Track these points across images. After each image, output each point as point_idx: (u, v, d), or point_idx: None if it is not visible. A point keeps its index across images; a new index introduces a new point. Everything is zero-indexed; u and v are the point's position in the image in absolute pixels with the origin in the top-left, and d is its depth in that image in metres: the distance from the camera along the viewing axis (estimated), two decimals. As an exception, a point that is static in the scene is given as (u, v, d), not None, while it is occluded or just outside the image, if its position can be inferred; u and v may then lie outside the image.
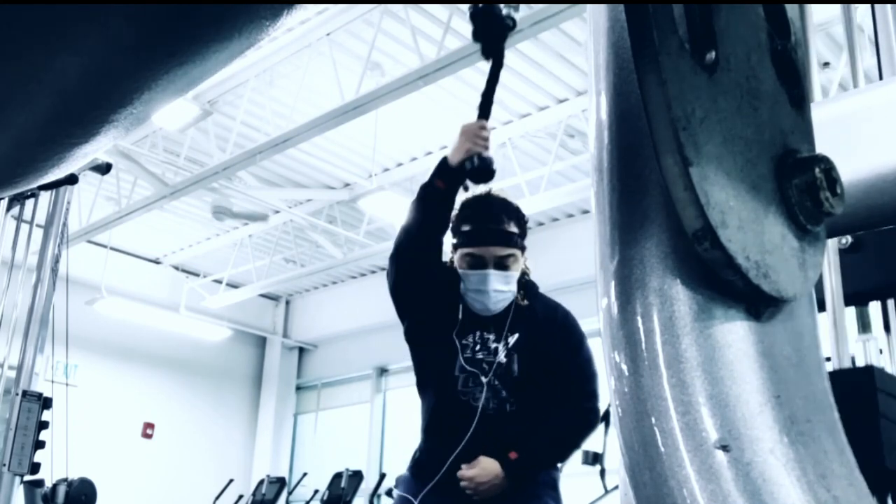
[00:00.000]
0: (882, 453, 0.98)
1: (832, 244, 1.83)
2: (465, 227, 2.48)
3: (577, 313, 2.64)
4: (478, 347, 2.48)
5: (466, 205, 2.51)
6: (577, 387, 2.52)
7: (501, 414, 2.42)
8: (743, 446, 0.47)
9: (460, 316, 2.51)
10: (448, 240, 2.55)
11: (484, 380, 2.43)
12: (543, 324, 2.53)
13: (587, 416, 2.55)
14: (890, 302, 2.09)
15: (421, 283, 2.51)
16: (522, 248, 2.52)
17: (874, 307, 2.04)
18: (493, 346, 2.47)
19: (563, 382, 2.52)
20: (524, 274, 2.56)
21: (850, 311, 1.92)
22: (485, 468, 2.37)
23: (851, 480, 0.50)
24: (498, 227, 2.46)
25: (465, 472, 2.37)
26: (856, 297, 1.85)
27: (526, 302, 2.53)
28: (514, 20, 2.19)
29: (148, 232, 10.81)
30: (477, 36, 2.22)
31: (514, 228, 2.48)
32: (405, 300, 2.55)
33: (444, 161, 2.37)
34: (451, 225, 2.49)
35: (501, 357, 2.44)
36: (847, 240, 1.81)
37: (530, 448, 2.43)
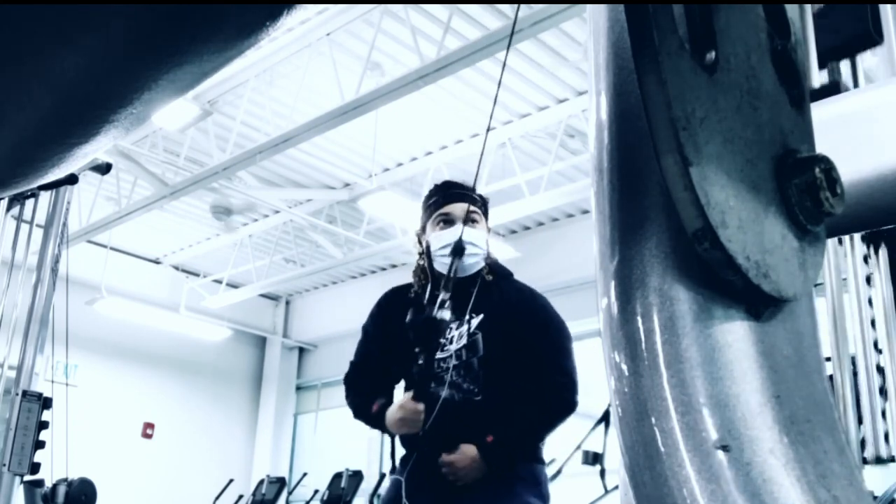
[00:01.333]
0: None
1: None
2: (433, 199, 2.75)
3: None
4: (445, 343, 2.58)
5: (430, 191, 2.81)
6: (549, 362, 2.57)
7: (468, 403, 2.50)
8: (743, 446, 0.47)
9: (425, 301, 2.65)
10: (419, 229, 2.81)
11: (450, 368, 2.53)
12: (511, 304, 2.63)
13: (562, 392, 2.57)
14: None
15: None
16: (485, 215, 2.75)
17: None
18: (456, 332, 2.58)
19: (535, 361, 2.56)
20: (488, 253, 2.72)
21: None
22: (464, 453, 2.45)
23: (851, 480, 0.50)
24: (462, 190, 2.74)
25: (445, 458, 2.46)
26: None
27: (491, 277, 2.67)
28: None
29: (148, 232, 10.80)
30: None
31: (475, 195, 2.76)
32: None
33: (382, 415, 2.61)
34: (421, 212, 2.78)
35: (465, 339, 2.55)
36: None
37: (506, 429, 2.47)
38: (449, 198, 2.71)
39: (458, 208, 2.67)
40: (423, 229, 2.75)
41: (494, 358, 2.52)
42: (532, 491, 2.49)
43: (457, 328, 2.57)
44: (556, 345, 2.60)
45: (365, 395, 2.72)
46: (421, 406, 2.46)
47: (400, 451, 2.65)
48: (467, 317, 2.56)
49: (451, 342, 2.56)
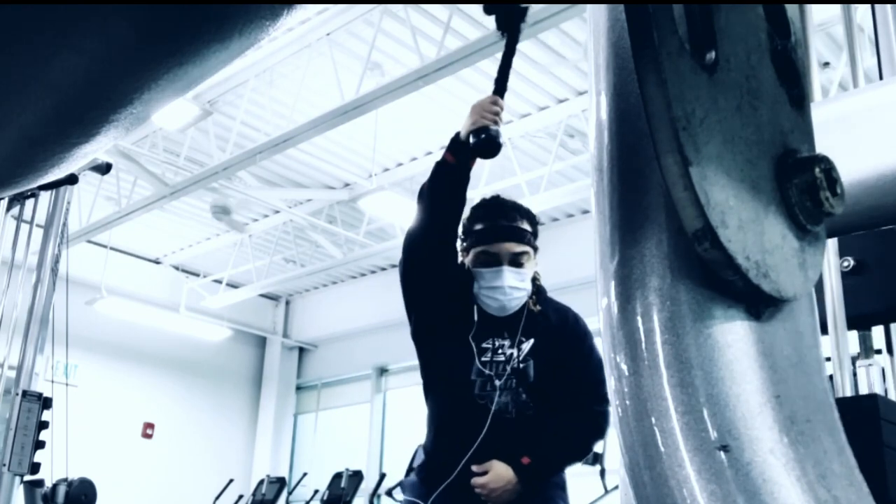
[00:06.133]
0: (886, 485, 0.89)
1: (834, 265, 1.79)
2: (479, 226, 2.49)
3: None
4: (497, 353, 2.46)
5: (478, 206, 2.55)
6: (588, 389, 2.51)
7: (521, 418, 2.42)
8: (743, 446, 0.47)
9: (476, 318, 2.48)
10: (459, 243, 2.55)
11: (498, 383, 2.41)
12: (557, 329, 2.52)
13: (598, 420, 2.54)
14: (893, 326, 2.05)
15: (434, 271, 2.46)
16: (535, 249, 2.52)
17: (877, 332, 1.99)
18: (509, 351, 2.46)
19: (575, 386, 2.51)
20: (535, 278, 2.55)
21: (853, 336, 1.87)
22: (498, 474, 2.36)
23: (851, 480, 0.50)
24: (511, 224, 2.47)
25: (478, 479, 2.36)
26: (858, 320, 1.79)
27: (538, 307, 2.52)
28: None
29: (148, 232, 10.81)
30: (490, 10, 2.18)
31: (526, 227, 2.50)
32: (417, 290, 2.51)
33: (456, 136, 2.37)
34: (462, 227, 2.49)
35: (517, 363, 2.43)
36: (849, 262, 1.75)
37: (543, 452, 2.43)
38: (496, 235, 2.45)
39: (504, 249, 2.44)
40: (466, 251, 2.52)
41: (545, 382, 2.45)
42: (561, 495, 2.51)
43: (508, 347, 2.47)
44: (597, 374, 2.51)
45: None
46: (500, 100, 2.23)
47: (419, 459, 2.56)
48: (517, 340, 2.47)
49: (508, 361, 2.45)
